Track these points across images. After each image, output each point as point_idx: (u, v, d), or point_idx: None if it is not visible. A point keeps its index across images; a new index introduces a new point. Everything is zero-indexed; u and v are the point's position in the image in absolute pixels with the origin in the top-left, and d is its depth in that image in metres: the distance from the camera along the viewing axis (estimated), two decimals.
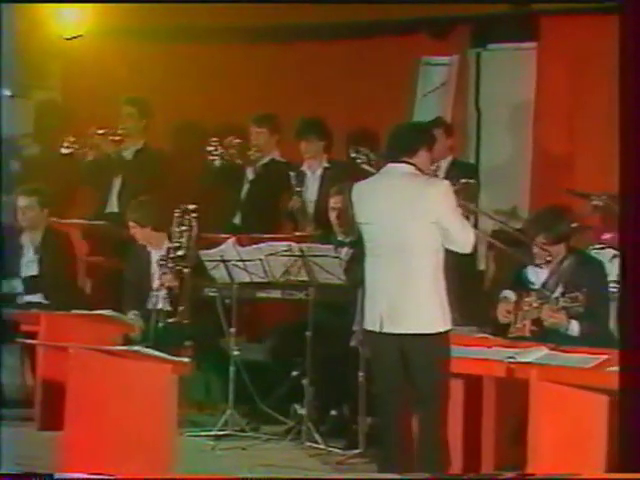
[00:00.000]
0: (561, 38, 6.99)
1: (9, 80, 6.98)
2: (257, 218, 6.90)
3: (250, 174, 7.03)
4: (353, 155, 5.37)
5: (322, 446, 5.51)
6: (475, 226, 5.79)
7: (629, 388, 4.17)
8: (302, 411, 5.67)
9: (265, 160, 7.01)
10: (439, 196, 4.62)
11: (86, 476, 4.44)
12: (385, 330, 4.63)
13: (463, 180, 5.37)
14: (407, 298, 4.61)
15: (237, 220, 7.02)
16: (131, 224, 6.29)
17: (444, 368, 4.65)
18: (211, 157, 6.87)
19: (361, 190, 4.84)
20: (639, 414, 4.14)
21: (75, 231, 6.89)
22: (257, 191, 6.99)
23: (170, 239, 6.14)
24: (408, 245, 4.62)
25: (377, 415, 4.82)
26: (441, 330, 4.63)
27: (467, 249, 4.74)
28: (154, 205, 6.29)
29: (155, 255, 6.27)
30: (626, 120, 4.24)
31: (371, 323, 4.70)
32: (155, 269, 6.20)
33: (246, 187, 7.04)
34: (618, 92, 4.32)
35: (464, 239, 4.66)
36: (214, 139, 6.87)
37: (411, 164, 4.70)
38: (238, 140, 6.94)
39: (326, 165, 6.91)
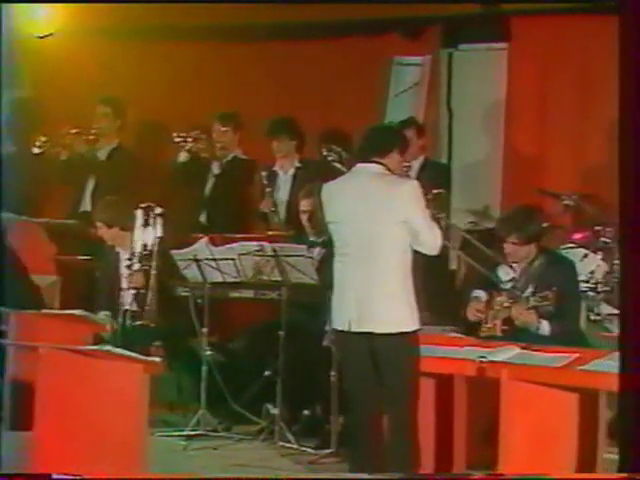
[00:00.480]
0: (532, 38, 7.03)
1: None
2: (222, 216, 6.88)
3: (216, 169, 7.02)
4: (325, 153, 5.38)
5: (294, 446, 5.51)
6: (447, 227, 5.80)
7: (629, 388, 4.18)
8: (274, 411, 5.67)
9: (229, 157, 7.00)
10: (408, 195, 4.63)
11: (85, 476, 4.43)
12: (354, 329, 4.64)
13: (435, 191, 5.40)
14: (375, 297, 4.61)
15: (203, 218, 7.00)
16: (98, 224, 6.26)
17: (413, 367, 4.66)
18: (180, 150, 6.86)
19: (330, 190, 4.84)
20: (639, 414, 4.15)
21: (42, 231, 6.85)
22: (222, 187, 6.98)
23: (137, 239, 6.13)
24: (376, 244, 4.63)
25: (348, 414, 4.82)
26: (409, 329, 4.64)
27: (434, 251, 4.74)
28: (121, 205, 6.26)
29: (124, 255, 6.25)
30: (626, 120, 4.24)
31: (340, 323, 4.70)
32: (123, 269, 6.18)
33: (211, 182, 7.02)
34: (618, 93, 4.32)
35: (432, 240, 4.67)
36: (182, 133, 6.85)
37: (381, 164, 4.71)
38: (204, 135, 6.93)
39: (298, 165, 6.91)
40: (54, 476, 4.31)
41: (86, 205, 7.13)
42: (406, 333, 4.62)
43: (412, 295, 4.65)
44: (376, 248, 4.62)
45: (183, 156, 6.93)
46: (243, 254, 5.70)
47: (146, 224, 6.01)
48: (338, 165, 5.22)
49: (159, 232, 5.97)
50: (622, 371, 4.23)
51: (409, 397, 4.63)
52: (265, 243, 5.76)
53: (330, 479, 4.88)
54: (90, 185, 7.16)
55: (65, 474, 4.37)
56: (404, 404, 4.63)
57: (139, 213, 5.96)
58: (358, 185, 4.72)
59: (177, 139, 6.88)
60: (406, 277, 4.64)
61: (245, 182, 6.90)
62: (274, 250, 5.66)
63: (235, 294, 5.93)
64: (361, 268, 4.63)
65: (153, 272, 5.93)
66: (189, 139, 6.86)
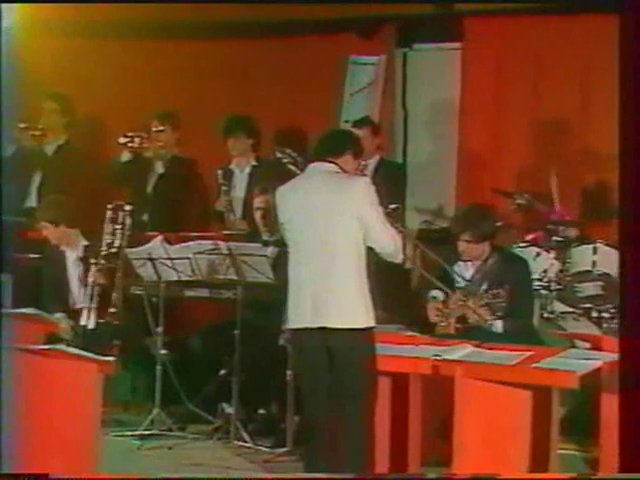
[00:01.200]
0: (485, 38, 7.08)
1: None
2: (165, 215, 6.84)
3: (159, 168, 6.98)
4: (279, 155, 5.38)
5: (250, 444, 5.51)
6: (402, 226, 5.83)
7: (629, 387, 4.20)
8: (230, 410, 5.65)
9: (168, 157, 6.97)
10: (361, 192, 4.64)
11: (85, 477, 4.41)
12: (310, 326, 4.64)
13: (392, 206, 5.44)
14: (331, 293, 4.61)
15: (145, 217, 6.95)
16: (44, 224, 6.18)
17: (369, 365, 4.67)
18: (124, 149, 6.82)
19: (284, 191, 4.85)
20: (638, 414, 4.17)
21: None
22: (164, 187, 6.94)
23: (86, 238, 6.08)
24: (331, 241, 4.63)
25: (303, 413, 4.82)
26: (365, 326, 4.65)
27: (389, 250, 4.75)
28: (67, 203, 6.20)
29: (71, 254, 6.19)
30: (626, 118, 4.26)
31: (296, 320, 4.70)
32: (73, 268, 6.13)
33: (154, 181, 6.98)
34: (618, 91, 4.35)
35: (386, 239, 4.68)
36: (129, 133, 6.81)
37: (335, 163, 4.73)
38: (147, 135, 6.90)
39: (254, 163, 6.90)
40: (52, 476, 4.28)
41: (32, 201, 7.06)
42: (361, 330, 4.63)
43: (367, 292, 4.66)
44: (331, 245, 4.63)
45: (126, 156, 6.88)
46: (198, 253, 5.68)
47: (114, 222, 5.97)
48: (292, 167, 5.23)
49: (127, 230, 5.93)
50: (622, 370, 4.27)
51: (365, 395, 4.65)
52: (220, 242, 5.75)
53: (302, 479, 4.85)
54: (36, 180, 7.09)
55: (64, 474, 4.34)
56: (360, 402, 4.63)
57: (108, 211, 5.90)
58: (311, 183, 4.73)
59: (123, 140, 6.82)
60: (361, 274, 4.66)
61: (186, 182, 6.86)
62: (229, 249, 5.64)
63: (190, 293, 5.91)
64: (316, 265, 4.64)
65: (118, 270, 5.89)
66: (136, 139, 6.81)
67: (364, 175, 4.69)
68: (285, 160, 5.28)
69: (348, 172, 4.75)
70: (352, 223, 4.63)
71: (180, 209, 6.93)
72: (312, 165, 4.78)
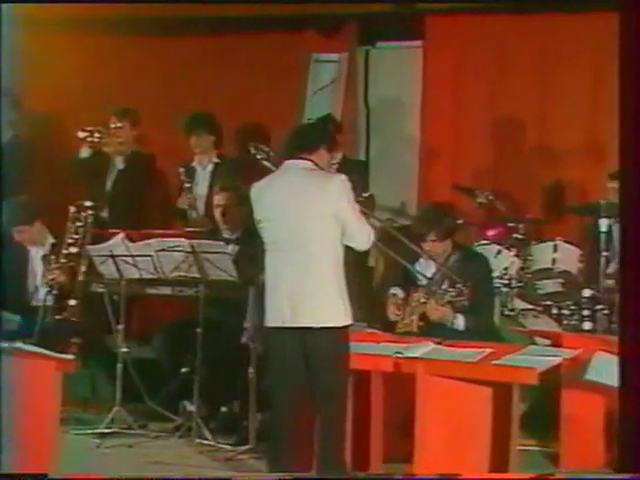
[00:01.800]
0: (445, 37, 7.12)
1: None
2: (125, 211, 6.80)
3: (120, 164, 6.94)
4: (253, 152, 5.36)
5: (212, 442, 5.49)
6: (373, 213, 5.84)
7: (628, 387, 4.22)
8: (191, 408, 5.63)
9: (128, 153, 6.93)
10: (337, 190, 4.64)
11: (83, 476, 4.38)
12: (288, 325, 4.63)
13: (365, 194, 5.44)
14: (308, 292, 4.61)
15: (105, 213, 6.91)
16: (20, 228, 6.12)
17: (345, 364, 4.67)
18: (83, 145, 6.76)
19: (260, 189, 4.83)
20: (638, 414, 4.20)
21: None
22: (123, 183, 6.90)
23: (53, 235, 6.03)
24: (308, 239, 4.62)
25: (273, 413, 4.80)
26: (343, 324, 4.65)
27: (364, 246, 4.77)
28: (29, 203, 6.14)
29: (36, 253, 6.14)
30: (627, 117, 4.28)
31: (274, 319, 4.69)
32: (37, 266, 6.07)
33: (113, 177, 6.94)
34: (618, 88, 4.37)
35: (361, 235, 4.69)
36: (88, 128, 6.76)
37: (309, 160, 4.71)
38: (106, 130, 6.86)
39: (216, 161, 6.88)
40: (51, 476, 4.24)
41: None
42: (339, 328, 4.63)
43: (344, 290, 4.67)
44: (307, 243, 4.62)
45: (85, 151, 6.83)
46: (160, 250, 5.65)
47: (76, 220, 5.92)
48: (267, 163, 5.22)
49: (89, 228, 5.89)
50: (622, 369, 4.29)
51: (341, 394, 4.65)
52: (183, 239, 5.72)
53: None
54: None
55: (63, 474, 4.31)
56: (336, 401, 4.63)
57: (71, 209, 5.85)
58: (287, 181, 4.71)
59: (82, 134, 6.76)
60: (338, 272, 4.66)
61: (146, 177, 6.83)
62: (192, 246, 5.62)
63: (152, 291, 5.87)
64: (293, 264, 4.63)
65: (80, 268, 5.84)
66: (96, 134, 6.76)
67: (341, 174, 4.68)
68: (259, 156, 5.26)
69: (323, 167, 4.75)
70: (329, 221, 4.63)
71: (140, 205, 6.89)
72: (287, 163, 4.76)
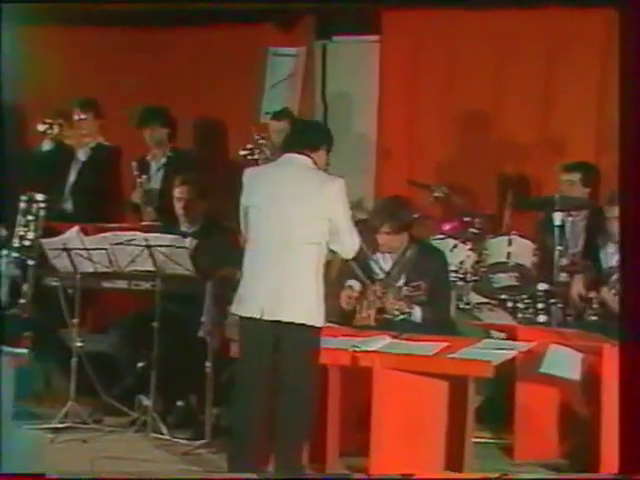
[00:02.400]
0: (402, 31, 7.14)
1: None
2: (88, 204, 6.75)
3: (82, 156, 6.88)
4: (256, 137, 5.28)
5: (168, 437, 5.46)
6: None
7: (629, 386, 4.24)
8: (147, 402, 5.60)
9: (92, 145, 6.88)
10: (336, 194, 4.64)
11: (83, 477, 4.35)
12: (266, 318, 4.61)
13: None
14: (291, 288, 4.60)
15: (68, 206, 6.84)
16: None
17: (315, 364, 4.68)
18: (45, 138, 6.69)
19: (254, 174, 4.81)
20: (638, 413, 4.23)
21: None
22: (87, 175, 6.85)
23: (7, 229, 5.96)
24: (298, 236, 4.61)
25: (236, 406, 4.78)
26: (319, 324, 4.66)
27: (350, 254, 4.80)
28: None
29: None
30: (627, 115, 4.30)
31: (250, 310, 4.66)
32: None
33: (76, 170, 6.88)
34: (618, 88, 4.39)
35: (350, 242, 4.71)
36: (47, 120, 6.70)
37: (310, 158, 4.70)
38: (67, 122, 6.79)
39: (170, 154, 6.84)
40: (49, 476, 4.23)
41: None
42: (314, 328, 4.64)
43: (322, 292, 4.67)
44: (296, 240, 4.60)
45: (47, 144, 6.75)
46: (116, 244, 5.61)
47: (27, 213, 5.86)
48: (268, 153, 5.20)
49: (40, 222, 5.82)
50: (622, 369, 4.32)
51: (307, 394, 4.65)
52: (138, 233, 5.69)
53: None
54: None
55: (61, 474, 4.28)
56: (301, 400, 4.63)
57: (21, 202, 5.79)
58: (285, 174, 4.69)
59: (42, 127, 6.69)
60: (319, 273, 4.66)
61: (110, 170, 6.79)
62: (147, 240, 5.59)
63: (108, 284, 5.83)
64: (278, 257, 4.61)
65: (31, 262, 5.78)
66: (55, 126, 6.70)
67: (340, 177, 4.69)
68: (263, 142, 5.25)
69: (320, 167, 4.73)
70: (322, 223, 4.62)
71: (104, 198, 6.84)
72: (287, 155, 4.74)
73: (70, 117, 6.84)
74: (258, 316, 4.63)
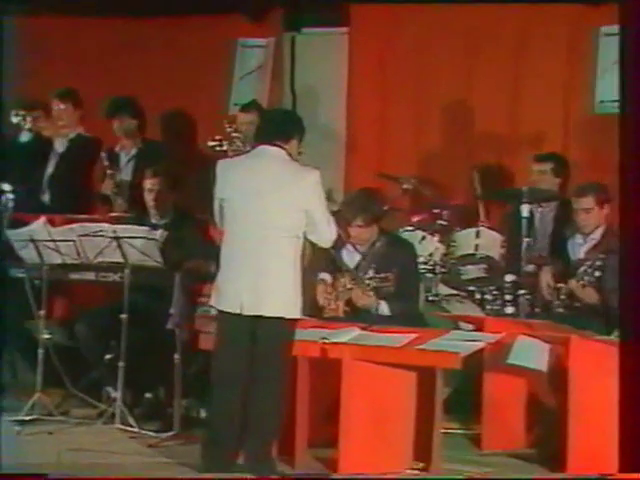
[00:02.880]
0: (371, 23, 7.13)
1: None
2: (66, 195, 6.71)
3: (60, 147, 6.84)
4: (229, 130, 5.28)
5: (136, 429, 5.45)
6: None
7: (628, 386, 4.25)
8: (115, 394, 5.58)
9: (72, 136, 6.83)
10: (313, 186, 4.63)
11: (82, 476, 4.32)
12: (245, 312, 4.61)
13: None
14: (270, 282, 4.60)
15: (46, 198, 6.80)
16: None
17: (289, 357, 4.69)
18: (21, 129, 6.65)
19: (228, 166, 4.80)
20: (638, 413, 4.23)
21: None
22: (65, 166, 6.80)
23: None
24: (273, 228, 4.60)
25: (213, 398, 4.78)
26: (296, 317, 4.67)
27: (328, 243, 4.81)
28: None
29: None
30: (626, 113, 4.30)
31: (230, 305, 4.65)
32: None
33: (54, 161, 6.84)
34: (619, 86, 4.39)
35: (327, 233, 4.71)
36: (21, 111, 6.65)
37: (284, 149, 4.69)
38: (43, 113, 6.74)
39: (140, 145, 6.80)
40: (51, 476, 4.21)
41: None
42: (291, 320, 4.65)
43: (299, 283, 4.67)
44: (272, 233, 4.60)
45: (25, 135, 6.70)
46: (83, 235, 5.58)
47: None
48: (239, 144, 5.19)
49: (9, 213, 5.77)
50: (622, 369, 4.31)
51: (283, 382, 4.66)
52: (106, 224, 5.65)
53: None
54: None
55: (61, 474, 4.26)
56: (274, 394, 4.64)
57: None
58: (260, 166, 4.68)
59: (15, 119, 6.64)
60: (296, 265, 4.66)
61: (89, 161, 6.75)
62: (115, 232, 5.56)
63: (75, 276, 5.79)
64: (256, 251, 4.60)
65: None
66: (28, 118, 6.64)
67: (316, 169, 4.68)
68: (233, 134, 5.25)
69: (293, 157, 4.72)
70: (299, 215, 4.62)
71: (82, 190, 6.79)
72: (261, 147, 4.73)
73: (48, 108, 6.79)
74: (238, 311, 4.62)
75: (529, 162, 6.50)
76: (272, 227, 4.60)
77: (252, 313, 4.61)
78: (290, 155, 4.72)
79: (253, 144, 4.88)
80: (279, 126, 4.76)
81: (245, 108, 6.66)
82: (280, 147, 4.68)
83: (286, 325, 4.64)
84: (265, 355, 4.64)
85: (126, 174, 6.75)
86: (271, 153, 4.69)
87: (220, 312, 4.72)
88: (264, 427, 4.65)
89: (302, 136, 4.82)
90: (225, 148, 6.34)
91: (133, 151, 6.80)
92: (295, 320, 4.68)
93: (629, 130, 4.28)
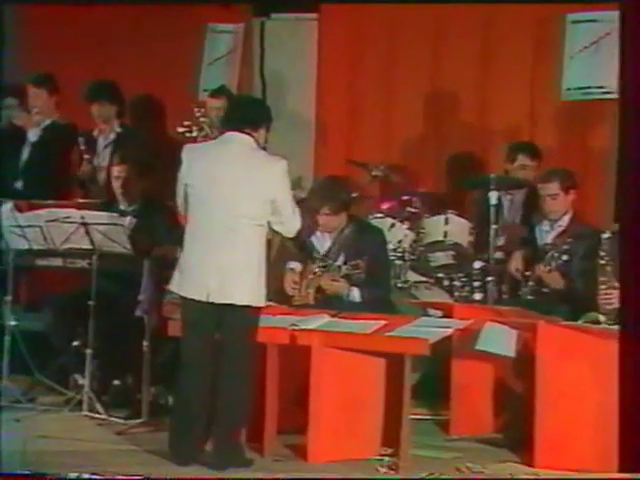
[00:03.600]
0: (340, 10, 7.12)
1: None
2: (40, 182, 6.65)
3: (33, 136, 6.77)
4: (197, 114, 5.26)
5: (104, 416, 5.42)
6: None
7: (628, 384, 4.26)
8: (83, 381, 5.55)
9: (47, 122, 6.77)
10: (279, 175, 4.62)
11: (84, 476, 4.30)
12: (211, 300, 4.60)
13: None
14: (235, 270, 4.58)
15: (19, 185, 6.74)
16: None
17: (254, 344, 4.69)
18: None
19: (194, 152, 4.77)
20: (638, 413, 4.25)
21: None
22: (39, 154, 6.74)
23: None
24: (239, 217, 4.59)
25: (179, 386, 4.77)
26: (260, 305, 4.67)
27: (292, 233, 4.81)
28: None
29: None
30: (626, 113, 4.30)
31: (196, 292, 4.64)
32: None
33: (28, 150, 6.78)
34: (620, 84, 4.38)
35: (292, 222, 4.71)
36: None
37: (251, 136, 4.66)
38: (16, 101, 6.68)
39: (118, 130, 6.75)
40: (49, 476, 4.20)
41: None
42: (256, 308, 4.65)
43: (264, 272, 4.67)
44: (238, 221, 4.58)
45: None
46: (51, 221, 5.54)
47: None
48: (207, 129, 5.16)
49: None
50: (622, 368, 4.34)
51: (249, 370, 4.66)
52: (74, 210, 5.61)
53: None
54: None
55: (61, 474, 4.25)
56: (241, 382, 4.64)
57: None
58: (228, 153, 4.65)
59: None
60: (261, 254, 4.66)
61: (64, 148, 6.68)
62: (83, 217, 5.52)
63: (43, 262, 5.75)
64: (223, 239, 4.59)
65: None
66: (2, 105, 6.58)
67: (283, 158, 4.66)
68: (202, 120, 5.22)
69: (261, 145, 4.70)
70: (265, 205, 4.60)
71: (57, 176, 6.72)
72: (228, 134, 4.70)
73: (24, 95, 6.71)
74: (204, 299, 4.61)
75: (499, 149, 6.53)
76: (238, 215, 4.59)
77: (219, 301, 4.60)
78: (258, 143, 4.70)
79: (221, 130, 4.85)
80: (248, 113, 4.74)
81: (214, 93, 6.63)
82: (249, 134, 4.67)
83: (251, 313, 4.64)
84: (231, 343, 4.64)
85: (103, 159, 6.69)
86: (239, 140, 4.67)
87: (184, 299, 4.70)
88: (231, 415, 4.65)
89: (270, 125, 4.81)
90: (195, 134, 6.31)
91: (111, 136, 6.75)
92: (260, 308, 4.68)
93: (629, 128, 4.28)
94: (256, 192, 4.59)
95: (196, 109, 6.36)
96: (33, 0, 7.14)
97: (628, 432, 4.29)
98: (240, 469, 4.60)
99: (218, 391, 4.64)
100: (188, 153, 4.75)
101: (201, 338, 4.66)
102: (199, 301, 4.63)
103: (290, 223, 4.71)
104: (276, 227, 4.72)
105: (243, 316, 4.62)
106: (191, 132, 6.33)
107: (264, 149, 4.85)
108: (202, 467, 4.60)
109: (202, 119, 6.33)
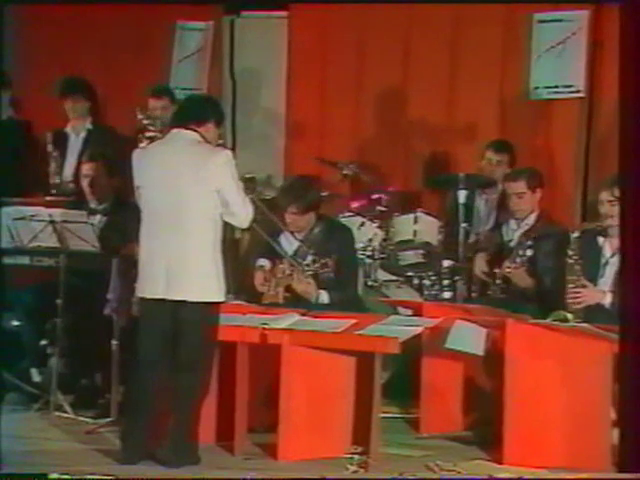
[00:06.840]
0: (309, 8, 7.12)
1: None
2: (2, 180, 6.58)
3: None
4: (140, 117, 5.24)
5: (71, 415, 5.39)
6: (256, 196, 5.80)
7: (628, 384, 4.26)
8: (38, 378, 5.51)
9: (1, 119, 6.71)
10: (222, 165, 4.59)
11: (82, 476, 4.27)
12: (162, 296, 4.58)
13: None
14: (187, 266, 4.57)
15: None
16: None
17: (213, 341, 4.67)
18: None
19: (142, 154, 4.76)
20: (638, 412, 4.24)
21: None
22: None
23: None
24: (187, 212, 4.57)
25: (133, 385, 4.75)
26: (216, 300, 4.64)
27: (244, 224, 4.78)
28: None
29: None
30: (626, 112, 4.31)
31: (148, 290, 4.63)
32: None
33: None
34: (620, 83, 4.39)
35: (243, 213, 4.67)
36: None
37: (197, 132, 4.65)
38: None
39: (90, 127, 6.70)
40: (52, 475, 4.16)
41: None
42: (212, 304, 4.62)
43: (221, 267, 4.64)
44: (187, 216, 4.57)
45: None
46: (18, 219, 5.49)
47: None
48: (152, 130, 5.11)
49: None
50: (622, 368, 4.34)
51: (207, 367, 4.64)
52: (42, 208, 5.57)
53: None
54: None
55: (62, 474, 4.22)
56: (200, 374, 4.62)
57: None
58: (171, 150, 4.64)
59: None
60: (216, 248, 4.62)
61: (21, 144, 6.62)
62: (50, 215, 5.48)
63: (9, 260, 5.70)
64: (172, 236, 4.57)
65: None
66: None
67: (227, 148, 4.65)
68: (145, 122, 5.17)
69: (209, 141, 4.68)
70: (211, 196, 4.58)
71: (14, 174, 6.65)
72: (174, 131, 4.69)
73: None
74: (157, 296, 4.60)
75: (467, 148, 6.55)
76: (186, 210, 4.58)
77: (170, 298, 4.59)
78: (204, 138, 4.67)
79: (167, 129, 4.83)
80: (193, 109, 4.73)
81: (155, 93, 6.56)
82: (193, 130, 4.65)
83: (208, 310, 4.61)
84: (187, 340, 4.61)
85: (73, 156, 6.63)
86: (184, 136, 4.67)
87: (141, 299, 4.70)
88: (185, 414, 4.62)
89: (220, 121, 4.79)
90: (152, 134, 6.23)
91: (83, 133, 6.69)
92: (218, 304, 4.65)
93: (629, 128, 4.30)
94: (201, 184, 4.57)
95: (138, 112, 6.27)
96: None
97: (628, 432, 4.30)
98: (190, 467, 4.55)
99: (174, 389, 4.61)
100: (137, 157, 4.76)
101: (155, 336, 4.64)
102: (151, 299, 4.62)
103: (240, 214, 4.67)
104: (227, 219, 4.69)
105: (199, 313, 4.59)
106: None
107: (220, 146, 4.82)
108: (154, 465, 4.56)
109: (144, 120, 6.24)
